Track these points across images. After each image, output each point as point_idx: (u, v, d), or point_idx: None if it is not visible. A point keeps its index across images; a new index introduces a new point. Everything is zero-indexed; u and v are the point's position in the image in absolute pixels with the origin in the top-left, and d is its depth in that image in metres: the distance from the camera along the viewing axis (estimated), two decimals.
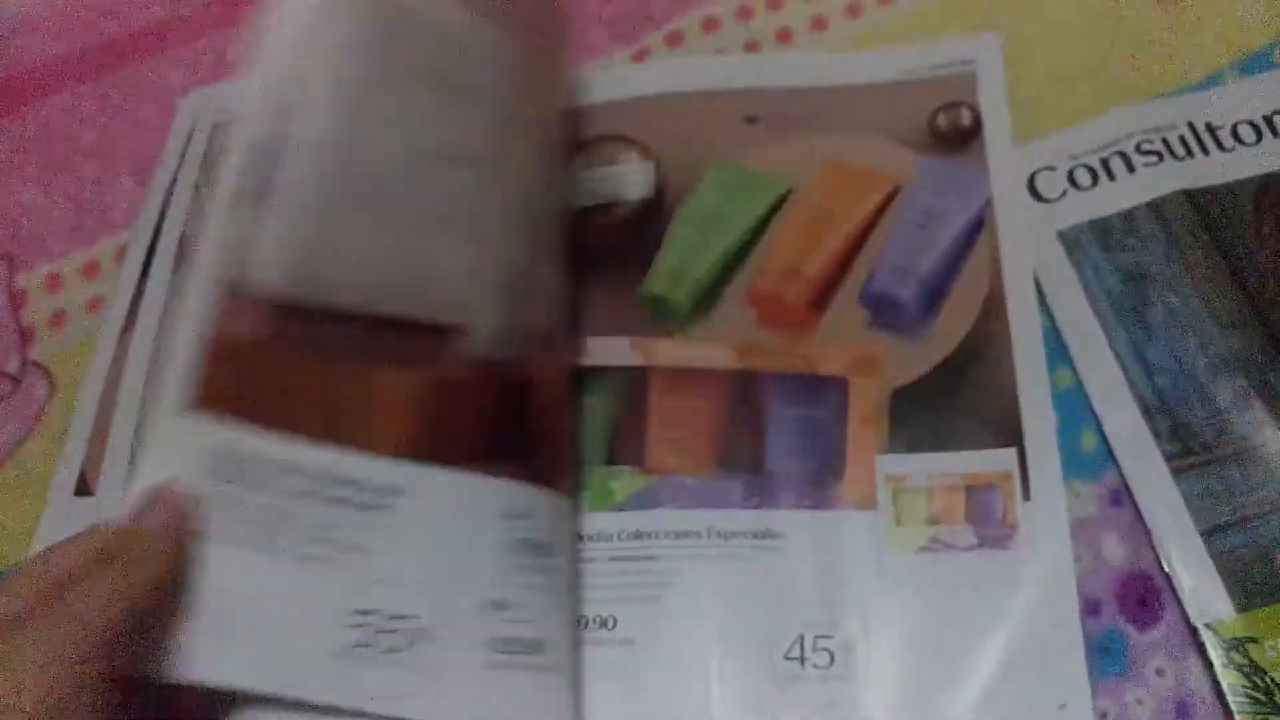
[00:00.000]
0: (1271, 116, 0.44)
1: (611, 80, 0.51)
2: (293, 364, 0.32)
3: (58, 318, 0.50)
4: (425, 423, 0.33)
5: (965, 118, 0.47)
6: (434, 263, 0.34)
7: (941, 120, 0.47)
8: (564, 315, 0.42)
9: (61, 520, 0.44)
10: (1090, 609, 0.38)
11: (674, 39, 0.51)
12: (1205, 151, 0.44)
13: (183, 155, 0.52)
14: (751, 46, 0.51)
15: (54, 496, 0.45)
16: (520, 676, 0.34)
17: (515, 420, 0.35)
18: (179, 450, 0.31)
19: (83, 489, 0.45)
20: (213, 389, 0.32)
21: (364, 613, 0.32)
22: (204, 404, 0.31)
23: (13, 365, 0.49)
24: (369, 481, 0.32)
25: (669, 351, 0.44)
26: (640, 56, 0.51)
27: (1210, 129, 0.44)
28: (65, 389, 0.48)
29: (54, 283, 0.50)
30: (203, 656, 0.29)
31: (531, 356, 0.36)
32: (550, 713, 0.35)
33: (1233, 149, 0.44)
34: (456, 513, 0.34)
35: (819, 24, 0.51)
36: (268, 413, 0.32)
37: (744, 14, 0.51)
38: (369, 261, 0.33)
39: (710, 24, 0.51)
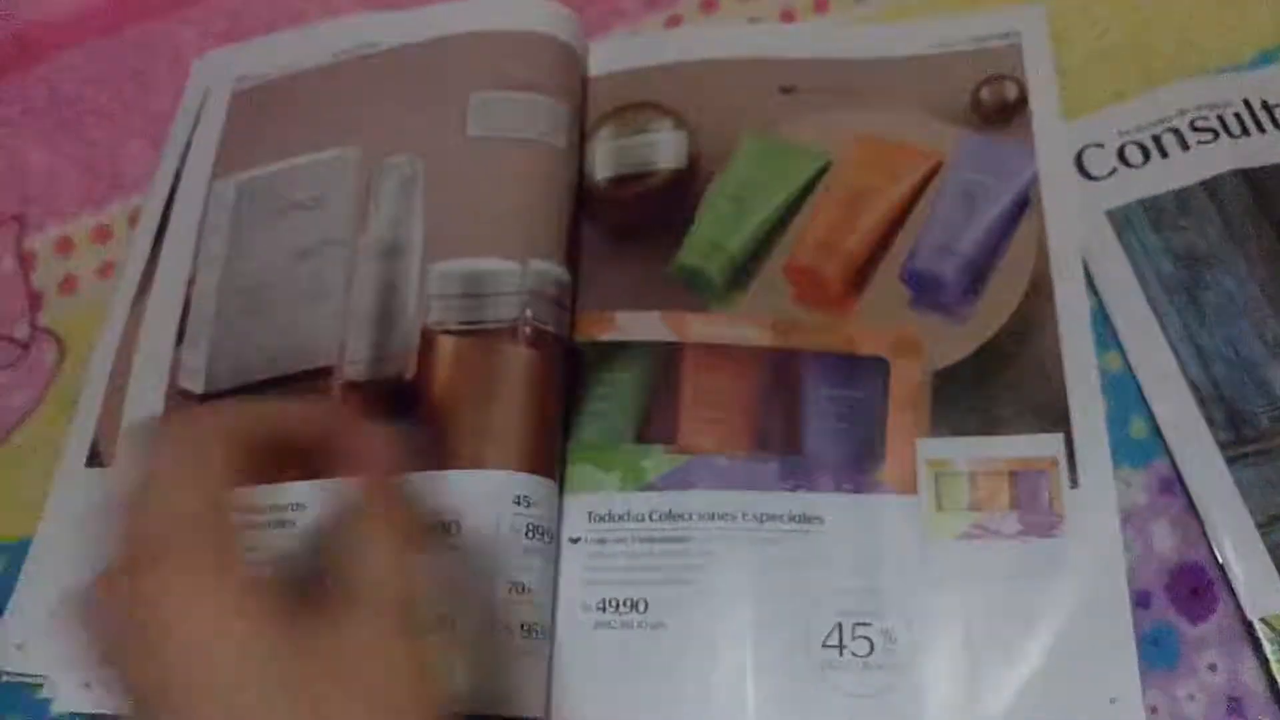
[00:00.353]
0: None
1: (643, 46, 0.49)
2: None
3: (68, 282, 0.48)
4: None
5: (1010, 91, 0.45)
6: (308, 326, 0.43)
7: (985, 94, 0.46)
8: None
9: (73, 492, 0.43)
10: (1140, 601, 0.37)
11: (709, 5, 0.50)
12: (1262, 130, 0.43)
13: (197, 119, 0.50)
14: (787, 15, 0.49)
15: (65, 467, 0.43)
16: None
17: (405, 415, 0.41)
18: None
19: (95, 460, 0.43)
20: None
21: None
22: None
23: (22, 331, 0.47)
24: (277, 502, 0.40)
25: (702, 327, 0.43)
26: (673, 23, 0.50)
27: (1267, 107, 0.43)
28: (75, 355, 0.46)
29: (64, 246, 0.49)
30: None
31: (413, 359, 0.42)
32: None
33: None
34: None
35: None
36: None
37: None
38: (264, 343, 0.44)
39: None
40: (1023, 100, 0.45)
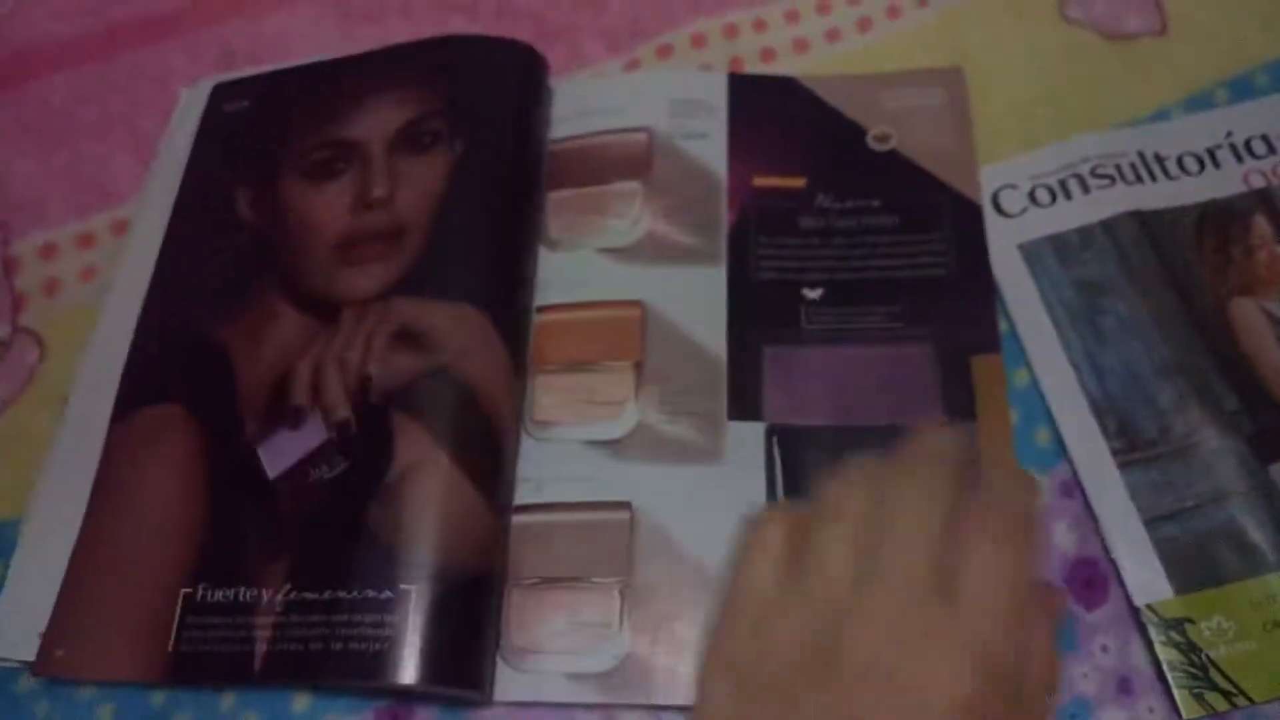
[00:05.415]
0: (1214, 150, 0.48)
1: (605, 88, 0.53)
2: None
3: (50, 285, 0.51)
4: None
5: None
6: None
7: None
8: None
9: (63, 476, 0.45)
10: None
11: (664, 51, 0.54)
12: (1154, 178, 0.48)
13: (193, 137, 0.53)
14: (735, 63, 0.54)
15: (56, 453, 0.45)
16: None
17: None
18: None
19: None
20: None
21: None
22: None
23: (3, 331, 0.50)
24: None
25: None
26: (632, 67, 0.54)
27: (1158, 158, 0.48)
28: (56, 352, 0.49)
29: (49, 252, 0.51)
30: None
31: None
32: None
33: (1178, 177, 0.48)
34: None
35: (800, 46, 0.54)
36: None
37: (730, 31, 0.54)
38: None
39: (698, 39, 0.54)
40: None
